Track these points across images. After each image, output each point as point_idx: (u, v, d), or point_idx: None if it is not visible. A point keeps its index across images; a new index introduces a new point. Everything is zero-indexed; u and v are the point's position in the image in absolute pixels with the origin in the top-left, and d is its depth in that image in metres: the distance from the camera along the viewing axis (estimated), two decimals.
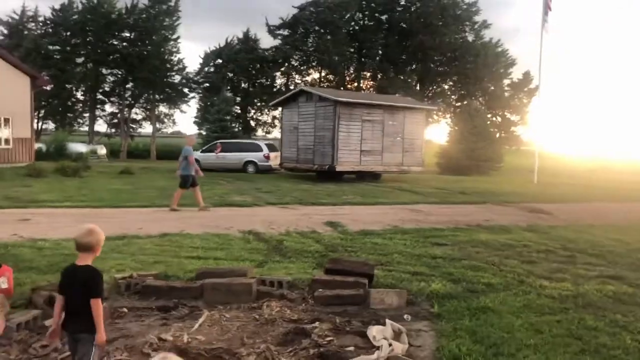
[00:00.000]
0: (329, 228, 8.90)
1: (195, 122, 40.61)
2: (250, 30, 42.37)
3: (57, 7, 38.49)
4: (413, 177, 22.03)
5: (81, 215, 9.47)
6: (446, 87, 45.11)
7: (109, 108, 42.56)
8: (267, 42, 51.39)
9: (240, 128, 39.35)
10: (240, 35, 42.24)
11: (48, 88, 31.82)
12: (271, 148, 24.07)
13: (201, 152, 23.54)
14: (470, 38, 42.35)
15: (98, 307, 2.82)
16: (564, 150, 45.17)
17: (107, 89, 41.52)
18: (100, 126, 43.04)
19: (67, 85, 38.67)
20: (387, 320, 4.09)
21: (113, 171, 20.51)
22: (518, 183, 20.94)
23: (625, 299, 5.09)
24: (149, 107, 42.20)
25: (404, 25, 41.87)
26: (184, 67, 41.14)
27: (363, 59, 43.41)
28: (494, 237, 8.30)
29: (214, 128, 32.89)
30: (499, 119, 43.38)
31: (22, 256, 6.15)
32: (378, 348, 3.67)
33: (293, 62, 43.29)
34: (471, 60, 40.87)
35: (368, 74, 44.61)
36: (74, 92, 40.89)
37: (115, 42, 39.51)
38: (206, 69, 41.93)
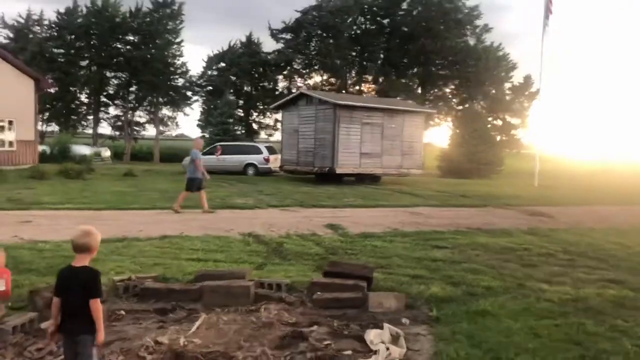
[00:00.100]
0: (329, 230, 8.90)
1: (198, 125, 40.72)
2: (253, 34, 42.59)
3: (62, 10, 38.77)
4: (413, 179, 22.02)
5: (83, 218, 9.49)
6: (447, 90, 45.09)
7: (112, 111, 42.78)
8: (269, 45, 51.70)
9: (242, 131, 39.43)
10: (243, 39, 42.45)
11: (52, 91, 32.00)
12: (271, 151, 24.14)
13: (201, 154, 23.56)
14: (471, 42, 42.34)
15: (98, 307, 2.83)
16: (564, 153, 45.11)
17: (111, 91, 41.67)
18: (104, 129, 43.23)
19: (71, 88, 38.84)
20: (385, 324, 4.07)
21: (116, 173, 20.57)
22: (519, 186, 20.90)
23: (626, 304, 5.05)
24: (152, 110, 42.31)
25: (406, 29, 41.91)
26: (187, 71, 41.34)
27: (365, 63, 43.46)
28: (494, 240, 8.28)
29: (216, 131, 32.96)
30: (500, 122, 43.30)
31: (21, 258, 6.16)
32: (376, 352, 3.66)
33: (295, 66, 43.36)
34: (472, 64, 40.85)
35: (370, 78, 44.64)
36: (78, 95, 41.07)
37: (119, 46, 39.69)
38: (209, 72, 42.07)
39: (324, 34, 41.65)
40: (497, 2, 79.64)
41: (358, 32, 43.12)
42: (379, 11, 42.41)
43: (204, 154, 24.04)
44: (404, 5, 42.26)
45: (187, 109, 42.92)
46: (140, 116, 43.42)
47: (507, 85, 43.64)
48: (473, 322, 4.39)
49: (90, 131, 42.55)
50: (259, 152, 23.80)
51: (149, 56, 38.22)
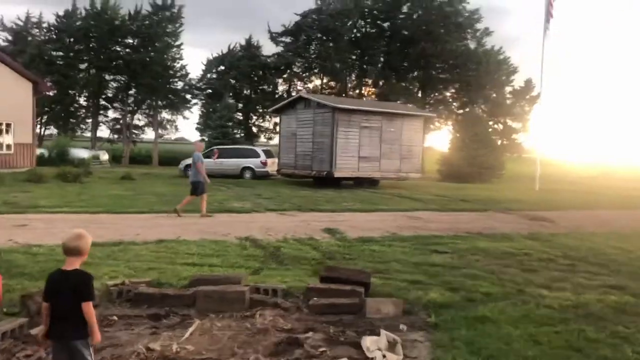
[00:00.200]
0: (327, 235, 8.82)
1: (197, 129, 40.62)
2: (252, 37, 42.50)
3: (61, 13, 38.73)
4: (413, 183, 21.96)
5: (79, 221, 9.40)
6: (448, 94, 45.05)
7: (111, 114, 42.70)
8: (269, 49, 51.65)
9: (242, 134, 39.37)
10: (243, 42, 42.36)
11: (51, 94, 31.93)
12: (268, 154, 24.13)
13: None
14: (472, 46, 42.31)
15: (90, 310, 2.78)
16: (565, 157, 45.07)
17: (110, 95, 41.63)
18: (103, 132, 43.17)
19: (70, 91, 38.77)
20: (382, 331, 4.00)
21: (114, 177, 20.48)
22: (520, 190, 20.83)
23: (628, 310, 4.98)
24: (151, 113, 42.27)
25: (406, 33, 41.90)
26: (187, 74, 41.27)
27: (365, 66, 43.43)
28: (494, 245, 8.20)
29: (215, 134, 32.90)
30: (501, 126, 43.26)
31: (15, 262, 6.08)
32: (372, 359, 3.58)
33: (295, 69, 43.35)
34: (473, 67, 40.81)
35: (370, 81, 44.63)
36: (77, 98, 41.00)
37: (119, 49, 39.65)
38: (209, 75, 42.01)
39: (324, 37, 41.64)
40: (497, 6, 79.84)
41: (358, 35, 43.12)
42: (379, 14, 42.42)
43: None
44: (405, 9, 42.27)
45: (186, 112, 42.91)
46: (139, 119, 43.42)
47: (508, 89, 43.63)
48: (472, 328, 4.32)
49: (89, 134, 42.50)
50: (256, 155, 23.78)
51: (148, 59, 38.19)
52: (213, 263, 6.45)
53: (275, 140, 42.00)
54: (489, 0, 74.11)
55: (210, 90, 41.43)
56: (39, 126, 37.49)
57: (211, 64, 41.69)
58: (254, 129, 43.75)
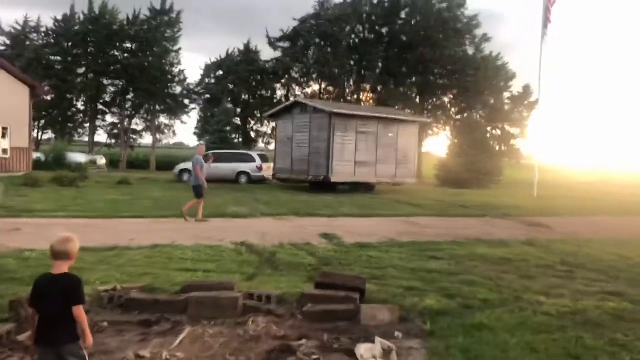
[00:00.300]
0: (323, 240, 8.75)
1: (195, 133, 40.61)
2: (250, 42, 42.53)
3: (59, 17, 38.71)
4: (411, 189, 21.91)
5: (74, 226, 9.31)
6: (446, 99, 45.06)
7: (109, 118, 42.53)
8: (267, 53, 51.53)
9: (240, 139, 39.32)
10: (241, 47, 42.41)
11: (48, 98, 31.84)
12: (264, 159, 24.12)
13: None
14: (470, 51, 42.39)
15: (81, 313, 2.75)
16: (563, 163, 45.13)
17: (107, 99, 41.52)
18: (100, 136, 42.98)
19: (67, 95, 38.65)
20: (377, 338, 3.93)
21: (111, 181, 20.40)
22: (518, 196, 20.79)
23: (626, 316, 4.92)
24: (149, 117, 42.21)
25: (404, 38, 41.96)
26: (185, 78, 41.25)
27: (363, 71, 43.47)
28: (492, 251, 8.14)
29: (213, 139, 32.86)
30: (499, 131, 43.28)
31: (5, 267, 6.00)
32: None
33: (293, 74, 43.36)
34: (471, 73, 40.86)
35: (368, 86, 44.66)
36: (75, 102, 40.87)
37: (116, 53, 39.61)
38: (207, 80, 41.99)
39: (322, 43, 41.69)
40: (496, 11, 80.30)
41: (356, 40, 43.18)
42: (378, 20, 42.50)
43: None
44: (403, 14, 42.36)
45: (184, 117, 42.83)
46: (137, 124, 43.29)
47: (506, 94, 43.65)
48: (468, 335, 4.25)
49: (86, 139, 42.39)
50: (251, 160, 23.74)
51: (146, 64, 38.16)
52: (207, 268, 6.37)
53: (273, 144, 42.03)
54: (488, 6, 74.57)
55: (208, 95, 41.41)
56: (36, 130, 37.40)
57: (209, 69, 41.69)
58: (252, 134, 43.73)
